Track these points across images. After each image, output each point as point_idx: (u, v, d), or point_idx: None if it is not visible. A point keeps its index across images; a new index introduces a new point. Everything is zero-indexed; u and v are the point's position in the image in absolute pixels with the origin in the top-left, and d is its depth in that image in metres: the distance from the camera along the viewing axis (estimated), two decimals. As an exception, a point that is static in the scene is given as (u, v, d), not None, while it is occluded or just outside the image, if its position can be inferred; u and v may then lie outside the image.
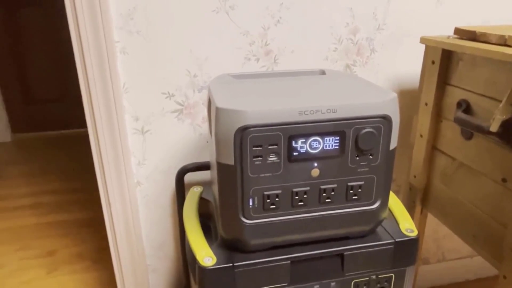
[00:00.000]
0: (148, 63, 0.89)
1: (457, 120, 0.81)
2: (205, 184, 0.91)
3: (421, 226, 1.10)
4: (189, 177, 1.00)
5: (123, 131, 0.91)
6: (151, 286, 1.10)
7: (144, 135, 0.94)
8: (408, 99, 1.08)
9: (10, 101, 2.70)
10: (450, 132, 0.87)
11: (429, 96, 0.91)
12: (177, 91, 0.92)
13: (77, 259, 1.51)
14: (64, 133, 2.85)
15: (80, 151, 2.53)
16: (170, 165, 0.99)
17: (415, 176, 0.99)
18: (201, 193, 0.86)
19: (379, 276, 0.72)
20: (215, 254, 0.66)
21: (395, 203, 0.81)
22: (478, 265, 1.33)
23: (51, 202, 1.95)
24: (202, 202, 0.83)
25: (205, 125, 0.97)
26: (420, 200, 0.99)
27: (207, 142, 0.99)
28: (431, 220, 1.22)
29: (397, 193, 1.19)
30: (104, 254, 1.52)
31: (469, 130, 0.81)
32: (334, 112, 0.59)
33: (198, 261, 0.65)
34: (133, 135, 0.94)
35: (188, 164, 0.94)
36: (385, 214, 0.70)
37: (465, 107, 0.81)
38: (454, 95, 0.85)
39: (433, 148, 0.94)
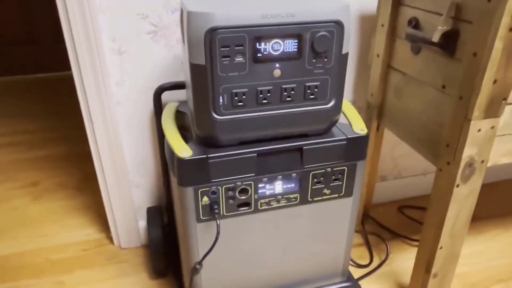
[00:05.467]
0: (122, -16, 0.93)
1: (408, 36, 0.90)
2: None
3: (377, 144, 1.22)
4: (164, 98, 1.07)
5: (101, 51, 0.97)
6: (134, 201, 1.19)
7: (121, 56, 1.00)
8: (369, 25, 1.16)
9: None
10: (402, 49, 0.97)
11: (385, 17, 0.99)
12: (151, 12, 0.97)
13: (61, 188, 1.59)
14: (32, 77, 2.80)
15: (49, 94, 2.51)
16: (148, 85, 1.05)
17: (372, 95, 1.10)
18: (177, 107, 0.93)
19: (334, 169, 0.83)
20: (191, 149, 0.75)
21: (349, 109, 0.91)
22: (430, 181, 1.49)
23: (27, 140, 1.99)
24: (178, 115, 0.91)
25: (179, 47, 1.03)
26: (376, 116, 1.11)
27: (182, 63, 1.05)
28: (389, 140, 1.35)
29: (358, 115, 1.29)
30: (86, 183, 1.60)
31: (417, 44, 0.90)
32: (293, 16, 0.67)
33: (176, 154, 0.74)
34: (111, 56, 0.99)
35: (165, 83, 1.00)
36: (339, 115, 0.80)
37: (414, 23, 0.90)
38: (406, 14, 0.93)
39: (388, 66, 1.03)
